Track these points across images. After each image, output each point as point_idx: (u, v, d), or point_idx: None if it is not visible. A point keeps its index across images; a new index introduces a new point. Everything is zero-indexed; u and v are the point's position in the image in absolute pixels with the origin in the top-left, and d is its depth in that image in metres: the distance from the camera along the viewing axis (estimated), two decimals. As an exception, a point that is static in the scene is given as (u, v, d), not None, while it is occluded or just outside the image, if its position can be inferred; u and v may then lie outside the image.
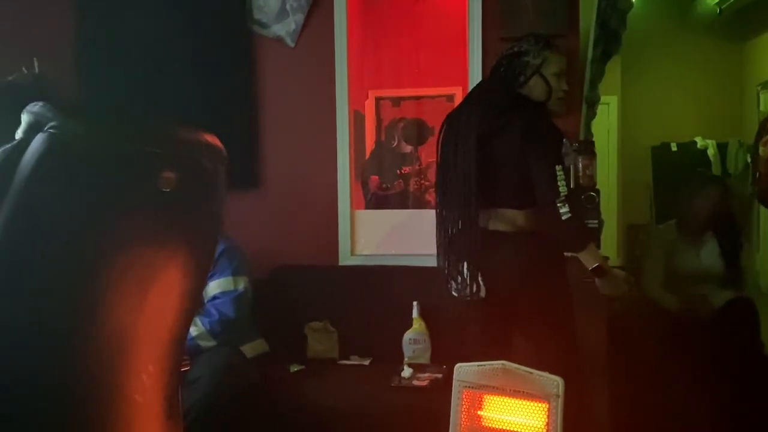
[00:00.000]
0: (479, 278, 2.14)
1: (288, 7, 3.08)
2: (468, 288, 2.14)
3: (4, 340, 0.97)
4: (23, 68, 1.96)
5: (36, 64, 2.00)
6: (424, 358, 2.73)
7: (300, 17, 3.07)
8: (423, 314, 2.78)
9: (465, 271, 2.14)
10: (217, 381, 2.20)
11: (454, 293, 2.17)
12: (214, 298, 2.45)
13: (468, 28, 2.92)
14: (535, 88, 2.17)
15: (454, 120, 2.19)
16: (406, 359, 2.72)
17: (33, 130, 0.96)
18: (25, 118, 0.97)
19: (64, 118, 0.96)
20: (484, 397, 1.66)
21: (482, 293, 2.13)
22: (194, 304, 1.46)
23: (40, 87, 1.90)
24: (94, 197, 1.03)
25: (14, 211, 0.94)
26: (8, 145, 0.97)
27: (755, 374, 2.73)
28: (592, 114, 2.86)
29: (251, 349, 2.52)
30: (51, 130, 0.95)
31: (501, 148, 2.08)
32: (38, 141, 0.95)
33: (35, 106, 0.97)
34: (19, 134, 0.98)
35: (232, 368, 2.30)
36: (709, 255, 3.16)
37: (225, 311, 2.42)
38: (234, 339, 2.47)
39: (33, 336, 1.00)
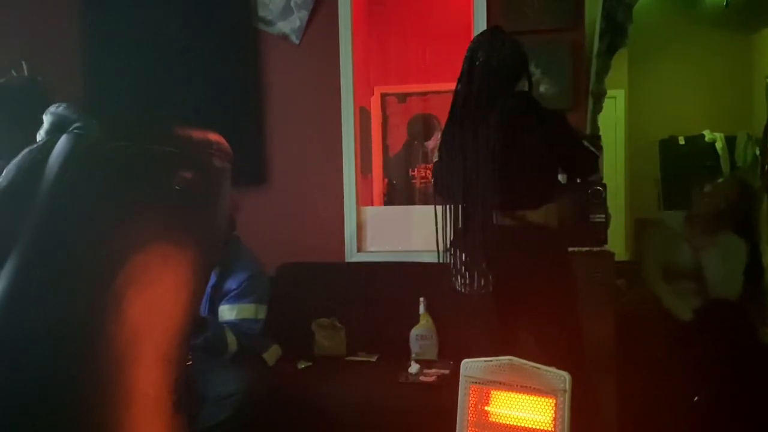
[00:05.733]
0: (487, 273, 2.14)
1: (292, 4, 3.08)
2: (475, 283, 2.14)
3: (37, 335, 0.99)
4: (12, 71, 1.97)
5: (25, 66, 2.00)
6: (431, 354, 2.73)
7: (304, 14, 3.07)
8: (430, 310, 2.78)
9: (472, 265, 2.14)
10: (250, 398, 2.24)
11: (460, 288, 2.16)
12: (236, 323, 2.43)
13: (473, 23, 2.91)
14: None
15: (463, 117, 2.17)
16: (413, 355, 2.72)
17: (56, 130, 0.97)
18: (47, 119, 0.98)
19: (88, 119, 0.97)
20: (491, 392, 1.66)
21: (489, 288, 2.12)
22: (200, 302, 1.48)
23: (31, 89, 1.91)
24: (117, 196, 1.05)
25: (46, 213, 0.96)
26: (33, 146, 0.98)
27: (756, 370, 2.71)
28: (598, 108, 2.85)
29: (270, 356, 2.54)
30: (76, 131, 0.96)
31: (521, 148, 2.08)
32: (64, 141, 0.96)
33: (58, 108, 0.98)
34: (41, 135, 0.99)
35: (263, 384, 2.33)
36: (710, 259, 3.02)
37: (248, 337, 2.44)
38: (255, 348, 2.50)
39: (63, 332, 1.01)
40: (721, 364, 2.72)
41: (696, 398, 2.76)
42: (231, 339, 2.36)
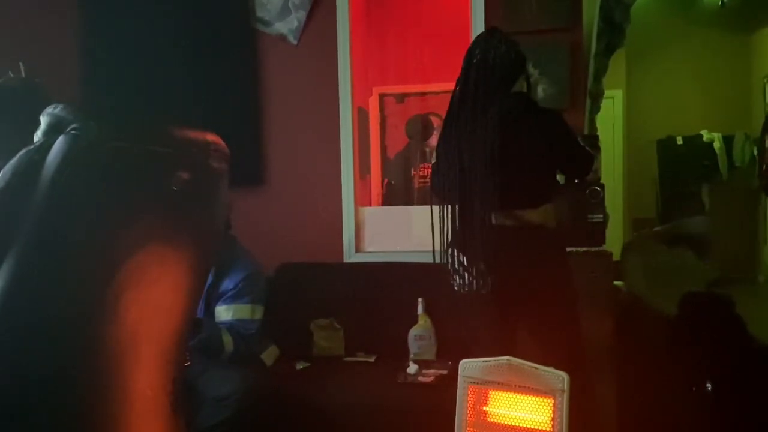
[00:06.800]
0: (485, 273, 2.14)
1: (290, 4, 3.07)
2: (474, 283, 2.14)
3: (35, 336, 0.99)
4: (10, 72, 1.97)
5: (23, 67, 2.00)
6: (430, 355, 2.73)
7: (302, 14, 3.07)
8: (428, 311, 2.78)
9: (470, 265, 2.14)
10: (249, 399, 2.22)
11: (458, 289, 2.16)
12: (232, 324, 2.42)
13: (471, 23, 2.91)
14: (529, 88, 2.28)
15: (460, 117, 2.17)
16: (411, 356, 2.72)
17: (53, 131, 0.97)
18: (44, 120, 0.98)
19: (85, 120, 0.97)
20: (490, 392, 1.66)
21: (487, 288, 2.12)
22: (197, 302, 1.48)
23: (28, 90, 1.92)
24: (115, 197, 1.05)
25: (43, 214, 0.95)
26: (31, 147, 0.97)
27: (748, 369, 2.71)
28: (596, 108, 2.85)
29: (268, 357, 2.54)
30: (73, 132, 0.95)
31: (519, 148, 2.09)
32: (61, 142, 0.96)
33: (55, 108, 0.98)
34: (38, 135, 0.98)
35: (261, 385, 2.32)
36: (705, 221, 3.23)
37: (244, 337, 2.43)
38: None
39: (60, 333, 1.02)
40: (717, 360, 2.72)
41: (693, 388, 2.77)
42: (227, 340, 2.36)
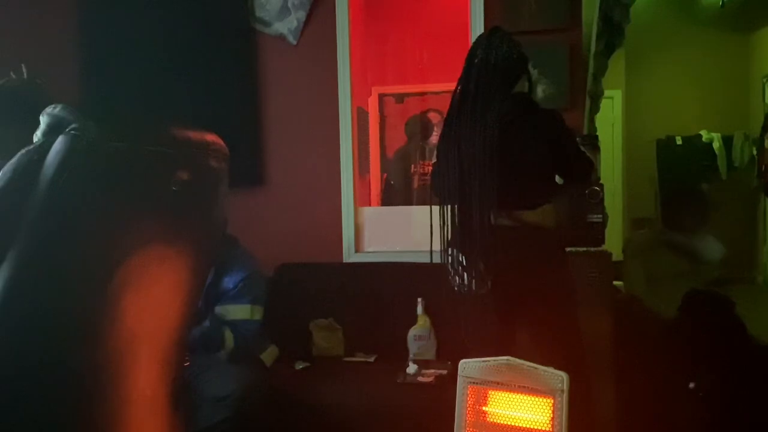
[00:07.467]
0: (484, 273, 2.14)
1: (290, 4, 3.08)
2: (473, 283, 2.14)
3: (31, 336, 0.98)
4: (11, 73, 1.97)
5: (24, 68, 2.00)
6: (429, 355, 2.73)
7: (302, 14, 3.07)
8: (427, 310, 2.78)
9: (469, 265, 2.14)
10: (248, 399, 2.22)
11: (458, 289, 2.17)
12: (234, 322, 2.44)
13: (470, 23, 2.91)
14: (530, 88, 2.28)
15: (461, 116, 2.17)
16: (411, 356, 2.72)
17: (53, 131, 0.96)
18: (44, 120, 0.97)
19: (84, 120, 0.97)
20: (489, 392, 1.66)
21: (486, 288, 2.13)
22: (197, 302, 1.48)
23: (30, 91, 1.92)
24: (114, 197, 1.04)
25: (41, 214, 0.95)
26: (30, 147, 0.97)
27: (747, 367, 2.71)
28: (595, 108, 2.86)
29: (268, 357, 2.55)
30: (72, 132, 0.95)
31: (519, 148, 2.09)
32: (60, 142, 0.95)
33: (55, 108, 0.98)
34: (38, 136, 0.98)
35: (261, 385, 2.32)
36: (704, 243, 3.22)
37: (244, 338, 2.44)
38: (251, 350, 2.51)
39: (57, 333, 1.01)
40: (716, 359, 2.72)
41: (691, 385, 2.76)
42: (228, 336, 2.37)
